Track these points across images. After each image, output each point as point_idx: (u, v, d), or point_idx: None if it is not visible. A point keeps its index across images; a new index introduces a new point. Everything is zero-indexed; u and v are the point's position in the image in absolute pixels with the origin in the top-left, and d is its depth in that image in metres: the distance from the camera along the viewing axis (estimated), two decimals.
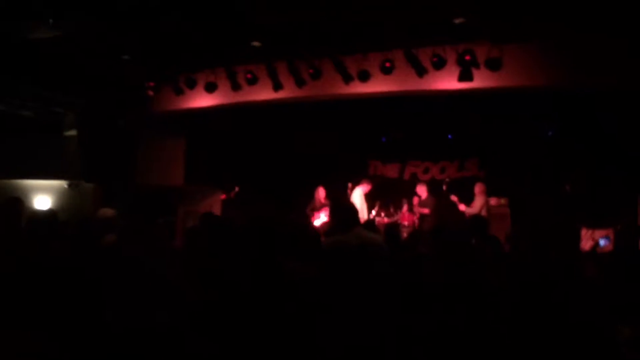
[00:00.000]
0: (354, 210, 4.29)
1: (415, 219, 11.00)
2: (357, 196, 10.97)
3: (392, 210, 11.85)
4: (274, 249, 3.33)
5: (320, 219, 10.71)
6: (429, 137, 13.03)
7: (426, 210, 10.76)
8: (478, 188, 10.18)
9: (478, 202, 9.96)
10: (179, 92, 9.11)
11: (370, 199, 11.18)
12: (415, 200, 11.45)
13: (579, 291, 2.80)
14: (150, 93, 9.22)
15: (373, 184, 11.96)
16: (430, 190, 11.15)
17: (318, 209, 10.95)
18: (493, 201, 10.91)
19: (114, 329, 2.93)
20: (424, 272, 4.52)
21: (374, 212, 11.05)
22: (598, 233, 7.90)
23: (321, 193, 11.08)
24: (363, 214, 10.56)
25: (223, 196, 11.87)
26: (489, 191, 10.51)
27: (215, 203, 12.25)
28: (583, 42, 7.34)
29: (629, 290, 3.84)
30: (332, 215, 4.32)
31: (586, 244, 8.45)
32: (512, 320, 3.68)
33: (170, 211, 12.83)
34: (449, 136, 12.62)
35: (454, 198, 10.21)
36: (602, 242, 7.51)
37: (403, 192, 12.41)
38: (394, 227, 6.78)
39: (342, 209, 4.24)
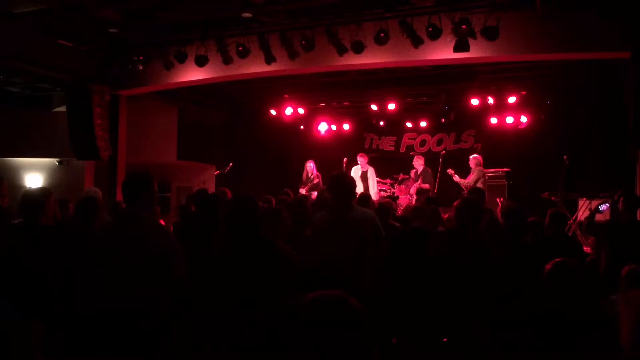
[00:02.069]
0: (350, 185, 4.26)
1: (413, 193, 11.02)
2: (357, 172, 10.94)
3: (388, 184, 11.88)
4: (258, 227, 3.31)
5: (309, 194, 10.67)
6: (425, 109, 13.01)
7: (426, 185, 10.75)
8: (474, 161, 10.17)
9: (474, 175, 9.97)
10: (169, 67, 8.98)
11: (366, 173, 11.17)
12: (412, 173, 11.46)
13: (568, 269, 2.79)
14: (140, 67, 9.08)
15: (369, 157, 11.97)
16: (426, 163, 11.15)
17: (306, 183, 10.91)
18: (490, 172, 10.93)
19: (100, 307, 2.92)
20: (425, 246, 4.53)
21: (376, 190, 10.97)
22: (595, 203, 7.91)
23: (310, 166, 11.00)
24: (370, 190, 10.50)
25: (217, 172, 11.83)
26: (486, 163, 10.50)
27: (209, 179, 12.22)
28: (583, 10, 7.23)
29: (623, 263, 3.84)
30: (328, 188, 4.28)
31: (583, 214, 8.48)
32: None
33: (164, 188, 12.83)
34: (446, 108, 12.57)
35: (450, 171, 10.21)
36: (602, 207, 7.52)
37: (399, 165, 12.45)
38: (387, 203, 6.75)
39: (338, 183, 4.21)
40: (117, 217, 4.85)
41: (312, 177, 10.92)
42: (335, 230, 4.02)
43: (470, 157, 10.33)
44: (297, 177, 11.49)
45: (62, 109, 10.30)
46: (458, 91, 11.99)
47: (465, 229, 4.26)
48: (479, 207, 4.46)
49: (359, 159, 11.04)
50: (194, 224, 4.93)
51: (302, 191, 10.74)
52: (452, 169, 10.34)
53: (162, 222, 6.61)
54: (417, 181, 10.95)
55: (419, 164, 11.15)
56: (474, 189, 6.77)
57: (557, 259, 2.98)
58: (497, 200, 9.83)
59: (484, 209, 4.73)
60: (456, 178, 10.12)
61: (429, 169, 11.03)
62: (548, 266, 2.94)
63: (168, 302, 2.95)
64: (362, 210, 4.26)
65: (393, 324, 4.19)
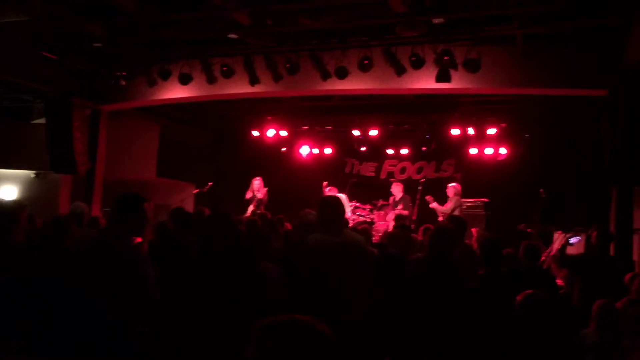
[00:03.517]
0: (341, 207, 4.22)
1: (391, 219, 11.07)
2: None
3: (367, 210, 11.92)
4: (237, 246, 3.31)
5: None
6: (406, 137, 13.14)
7: (405, 212, 10.80)
8: (452, 189, 10.26)
9: (451, 203, 10.05)
10: (152, 83, 8.98)
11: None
12: (391, 200, 11.51)
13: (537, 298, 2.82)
14: (123, 83, 9.06)
15: (349, 182, 12.02)
16: (405, 190, 11.23)
17: (251, 202, 10.89)
18: (469, 202, 11.03)
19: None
20: (400, 272, 4.54)
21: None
22: (570, 237, 8.02)
23: (256, 184, 10.94)
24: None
25: (196, 190, 11.75)
26: (464, 192, 10.61)
27: (187, 198, 12.14)
28: (563, 48, 7.44)
29: (595, 297, 3.90)
30: (318, 212, 4.26)
31: (557, 246, 8.58)
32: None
33: None
34: (427, 137, 12.72)
35: (429, 198, 10.29)
36: (572, 240, 7.61)
37: (378, 191, 12.49)
38: (363, 229, 6.78)
39: (328, 206, 4.17)
40: (92, 237, 4.77)
41: (257, 194, 10.87)
42: (329, 253, 3.97)
43: (449, 185, 10.43)
44: (278, 198, 11.48)
45: (42, 121, 10.20)
46: (439, 120, 12.14)
47: (438, 257, 4.27)
48: (452, 234, 4.49)
49: (329, 192, 11.09)
50: (170, 242, 4.89)
51: (248, 209, 10.76)
52: (432, 196, 10.43)
53: (138, 239, 6.53)
54: (396, 207, 11.01)
55: (397, 190, 11.22)
56: (453, 217, 6.82)
57: (528, 291, 3.02)
58: (473, 230, 9.91)
59: (457, 237, 4.75)
60: (433, 205, 10.20)
61: (407, 196, 11.11)
62: (519, 297, 2.98)
63: (138, 326, 2.90)
64: (351, 235, 4.24)
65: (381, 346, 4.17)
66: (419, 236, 7.14)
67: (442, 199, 10.47)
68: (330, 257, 3.93)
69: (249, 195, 10.88)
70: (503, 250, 5.01)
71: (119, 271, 2.93)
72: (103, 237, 3.15)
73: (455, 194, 10.16)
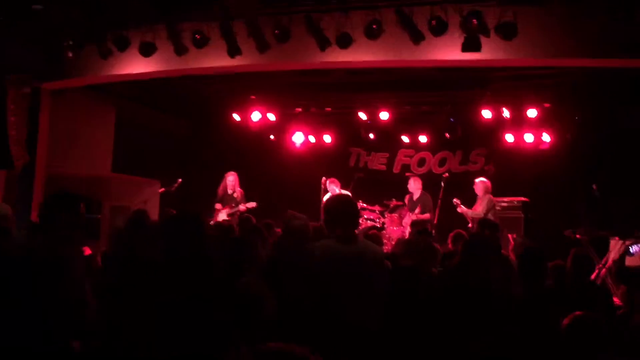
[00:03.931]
0: (355, 209, 4.29)
1: (407, 224, 11.08)
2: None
3: (377, 212, 11.93)
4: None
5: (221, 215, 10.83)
6: (426, 121, 13.15)
7: (425, 216, 10.81)
8: (481, 186, 10.26)
9: (482, 204, 10.04)
10: (106, 55, 8.95)
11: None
12: (406, 199, 11.52)
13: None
14: (70, 54, 9.04)
15: (354, 178, 12.02)
16: (425, 187, 11.24)
17: (225, 201, 10.95)
18: (504, 202, 11.05)
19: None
20: (417, 290, 4.55)
21: None
22: (630, 244, 8.04)
23: (231, 180, 11.07)
24: None
25: (162, 189, 11.74)
26: (498, 190, 10.62)
27: (151, 198, 12.11)
28: (624, 8, 7.39)
29: None
30: (326, 213, 4.29)
31: (614, 257, 8.59)
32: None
33: (94, 207, 12.66)
34: (451, 120, 12.72)
35: (456, 201, 10.26)
36: (633, 248, 7.63)
37: (390, 188, 12.50)
38: (374, 235, 6.79)
39: (337, 207, 4.21)
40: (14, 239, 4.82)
41: (233, 193, 11.00)
42: (340, 268, 3.98)
43: (476, 181, 10.44)
44: (262, 197, 11.50)
45: None
46: (467, 100, 12.14)
47: (471, 273, 4.27)
48: (491, 246, 4.50)
49: (329, 185, 11.25)
50: (127, 255, 4.89)
51: (221, 214, 10.88)
52: (457, 195, 10.44)
53: (87, 250, 6.53)
54: (415, 210, 11.02)
55: (415, 187, 11.23)
56: (484, 221, 6.84)
57: (577, 313, 3.03)
58: (510, 236, 9.93)
59: (497, 250, 4.76)
60: (461, 209, 10.21)
61: (428, 195, 11.12)
62: (566, 321, 2.99)
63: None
64: (368, 245, 4.25)
65: None
66: (449, 244, 7.16)
67: (470, 198, 10.47)
68: (342, 272, 3.96)
69: (221, 192, 10.97)
70: (546, 262, 5.01)
71: (38, 285, 2.98)
72: (25, 245, 3.23)
73: (486, 192, 10.18)
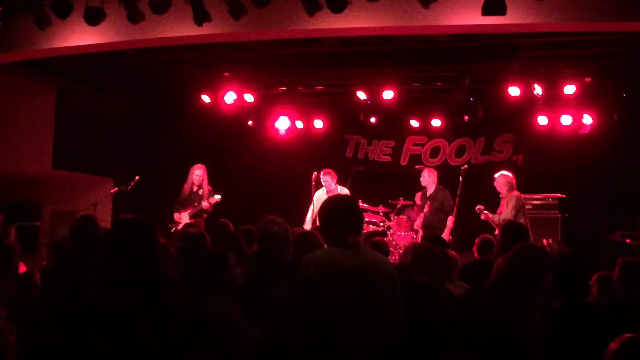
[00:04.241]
0: (357, 212, 4.25)
1: (419, 227, 11.10)
2: (321, 199, 10.97)
3: (380, 214, 11.93)
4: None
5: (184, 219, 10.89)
6: (439, 101, 13.14)
7: (449, 221, 10.83)
8: (503, 181, 10.21)
9: (509, 204, 10.03)
10: (44, 24, 8.91)
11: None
12: (417, 197, 11.53)
13: None
14: None
15: (352, 172, 12.02)
16: (441, 181, 11.24)
17: (189, 200, 11.00)
18: (536, 199, 11.08)
19: None
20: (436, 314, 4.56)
21: None
22: None
23: (198, 174, 11.13)
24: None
25: (115, 189, 11.72)
26: (529, 184, 10.63)
27: (102, 200, 12.10)
28: None
29: None
30: (320, 218, 4.27)
31: None
32: None
33: (31, 213, 12.64)
34: (470, 99, 12.73)
35: (479, 207, 10.20)
36: None
37: (397, 184, 12.51)
38: (380, 241, 6.81)
39: (337, 209, 4.18)
40: None
41: (199, 190, 11.06)
42: (342, 283, 3.94)
43: (496, 176, 10.38)
44: (239, 197, 11.50)
45: None
46: (489, 75, 12.15)
47: (520, 292, 4.25)
48: (548, 259, 4.48)
49: (324, 177, 11.23)
50: (70, 270, 4.89)
51: (182, 216, 10.93)
52: (480, 193, 10.47)
53: (22, 267, 6.51)
54: (424, 209, 11.03)
55: (430, 180, 11.25)
56: (509, 225, 6.81)
57: (628, 335, 3.03)
58: (545, 241, 9.94)
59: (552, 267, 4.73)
60: (486, 215, 10.19)
61: (446, 190, 11.11)
62: (613, 345, 2.98)
63: None
64: (374, 255, 4.21)
65: None
66: (475, 253, 7.16)
67: (497, 197, 10.45)
68: (344, 291, 3.91)
69: (186, 190, 10.97)
70: (587, 272, 5.02)
71: None
72: None
73: (510, 189, 10.14)
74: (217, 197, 10.93)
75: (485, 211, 10.15)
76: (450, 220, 10.85)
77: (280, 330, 3.98)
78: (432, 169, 11.55)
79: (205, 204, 10.88)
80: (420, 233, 11.00)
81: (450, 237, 10.58)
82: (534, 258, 4.33)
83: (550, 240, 9.99)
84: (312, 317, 3.87)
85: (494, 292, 4.38)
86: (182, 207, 11.18)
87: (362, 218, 4.30)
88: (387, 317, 3.97)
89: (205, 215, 11.04)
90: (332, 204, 4.21)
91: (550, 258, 4.48)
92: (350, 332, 3.84)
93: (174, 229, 10.98)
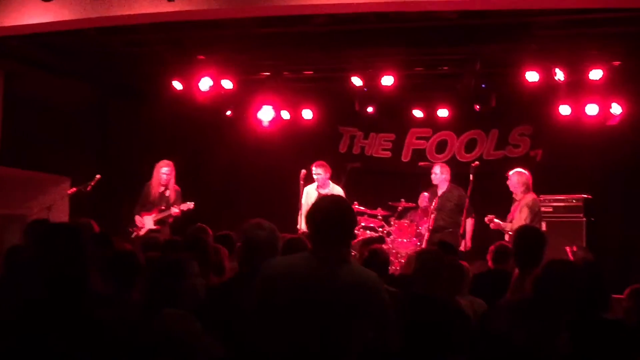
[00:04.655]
0: (348, 217, 4.17)
1: (426, 230, 11.14)
2: (311, 196, 11.01)
3: (379, 217, 11.95)
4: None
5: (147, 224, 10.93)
6: (446, 88, 13.17)
7: (469, 222, 10.90)
8: (518, 179, 10.23)
9: (524, 209, 10.05)
10: None
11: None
12: (422, 199, 11.57)
13: None
14: None
15: (346, 170, 12.04)
16: (453, 179, 11.30)
17: (153, 204, 11.06)
18: (558, 200, 11.12)
19: None
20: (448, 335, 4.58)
21: None
22: None
23: (164, 172, 11.16)
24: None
25: (73, 189, 11.72)
26: (550, 183, 10.66)
27: (58, 202, 12.09)
28: None
29: None
30: (307, 222, 4.21)
31: None
32: None
33: None
34: (482, 86, 12.76)
35: (490, 217, 10.22)
36: None
37: (398, 184, 12.53)
38: (380, 250, 6.81)
39: (316, 214, 4.13)
40: None
41: (165, 191, 11.10)
42: (294, 295, 3.93)
43: (510, 174, 10.40)
44: (216, 199, 11.51)
45: None
46: (503, 57, 12.16)
47: (548, 314, 4.27)
48: (582, 277, 4.49)
49: (316, 170, 11.25)
50: (23, 279, 4.89)
51: (144, 220, 10.97)
52: (491, 192, 10.49)
53: None
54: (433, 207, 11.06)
55: (442, 178, 11.30)
56: (523, 231, 6.82)
57: None
58: (568, 249, 9.96)
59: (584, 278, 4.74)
60: (497, 225, 10.21)
61: (460, 189, 11.13)
62: None
63: None
64: (356, 272, 4.13)
65: None
66: (489, 263, 7.16)
67: (508, 199, 10.48)
68: (298, 302, 3.88)
69: (155, 192, 10.95)
70: (607, 283, 5.03)
71: None
72: None
73: (526, 189, 10.17)
74: (190, 204, 10.90)
75: (495, 219, 10.16)
76: (470, 224, 10.89)
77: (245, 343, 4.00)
78: (444, 165, 11.61)
79: (175, 211, 10.86)
80: (426, 237, 11.01)
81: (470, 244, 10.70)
82: (567, 276, 4.33)
83: (575, 248, 10.01)
84: (267, 328, 3.90)
85: (519, 312, 4.39)
86: (144, 210, 11.16)
87: (351, 226, 4.18)
88: (358, 345, 3.92)
89: (170, 220, 11.04)
90: (317, 206, 4.15)
91: (584, 275, 4.47)
92: (302, 351, 3.84)
93: (135, 234, 10.93)
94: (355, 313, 3.90)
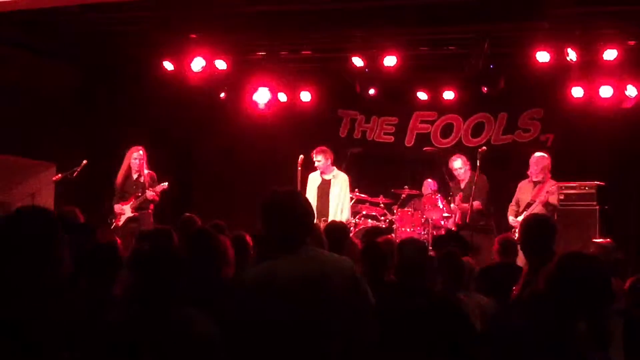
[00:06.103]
0: (301, 212, 4.17)
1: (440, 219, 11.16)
2: (314, 183, 10.99)
3: (381, 206, 11.94)
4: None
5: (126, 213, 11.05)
6: (452, 68, 13.14)
7: (476, 205, 10.88)
8: (539, 164, 10.24)
9: (547, 194, 10.04)
10: None
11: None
12: (427, 186, 11.55)
13: None
14: None
15: (347, 155, 12.03)
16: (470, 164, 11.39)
17: (130, 192, 11.20)
18: (571, 188, 11.10)
19: None
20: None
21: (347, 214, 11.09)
22: None
23: (137, 157, 11.31)
24: (336, 214, 10.67)
25: (58, 176, 11.72)
26: (562, 170, 10.65)
27: (42, 189, 12.09)
28: None
29: None
30: (263, 222, 4.21)
31: None
32: None
33: None
34: (490, 67, 12.73)
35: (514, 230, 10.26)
36: None
37: (404, 170, 12.51)
38: (383, 241, 6.79)
39: (277, 211, 4.13)
40: None
41: (139, 177, 11.22)
42: (279, 301, 3.91)
43: (534, 157, 10.43)
44: (210, 186, 11.49)
45: None
46: (512, 37, 12.14)
47: (566, 312, 4.24)
48: (602, 271, 4.45)
49: (316, 157, 11.23)
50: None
51: (124, 209, 11.08)
52: (499, 179, 10.49)
53: None
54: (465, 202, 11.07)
55: (466, 169, 11.34)
56: (530, 220, 6.78)
57: None
58: (594, 240, 9.97)
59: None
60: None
61: (483, 176, 11.20)
62: None
63: None
64: (333, 260, 4.19)
65: None
66: (495, 256, 7.15)
67: (513, 188, 10.46)
68: (285, 307, 3.89)
69: (129, 179, 11.02)
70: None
71: None
72: None
73: (546, 173, 10.19)
74: (164, 184, 11.08)
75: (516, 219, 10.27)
76: (477, 204, 10.91)
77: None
78: (459, 155, 11.71)
79: (150, 194, 10.97)
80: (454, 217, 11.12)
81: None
82: (583, 273, 4.28)
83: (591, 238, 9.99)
84: (249, 342, 3.88)
85: (532, 308, 4.36)
86: (121, 199, 11.31)
87: (311, 217, 4.26)
88: (347, 329, 3.99)
89: (152, 207, 11.16)
90: (270, 202, 4.17)
91: (604, 270, 4.42)
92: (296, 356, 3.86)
93: (114, 224, 11.02)
94: (337, 299, 3.97)
